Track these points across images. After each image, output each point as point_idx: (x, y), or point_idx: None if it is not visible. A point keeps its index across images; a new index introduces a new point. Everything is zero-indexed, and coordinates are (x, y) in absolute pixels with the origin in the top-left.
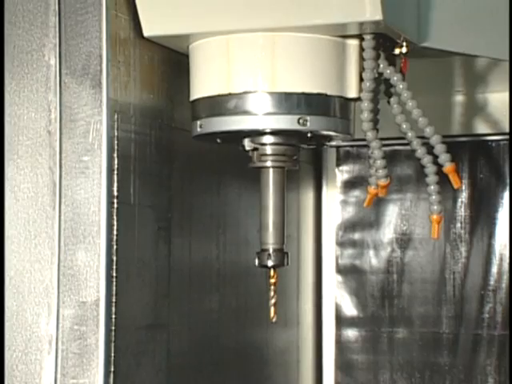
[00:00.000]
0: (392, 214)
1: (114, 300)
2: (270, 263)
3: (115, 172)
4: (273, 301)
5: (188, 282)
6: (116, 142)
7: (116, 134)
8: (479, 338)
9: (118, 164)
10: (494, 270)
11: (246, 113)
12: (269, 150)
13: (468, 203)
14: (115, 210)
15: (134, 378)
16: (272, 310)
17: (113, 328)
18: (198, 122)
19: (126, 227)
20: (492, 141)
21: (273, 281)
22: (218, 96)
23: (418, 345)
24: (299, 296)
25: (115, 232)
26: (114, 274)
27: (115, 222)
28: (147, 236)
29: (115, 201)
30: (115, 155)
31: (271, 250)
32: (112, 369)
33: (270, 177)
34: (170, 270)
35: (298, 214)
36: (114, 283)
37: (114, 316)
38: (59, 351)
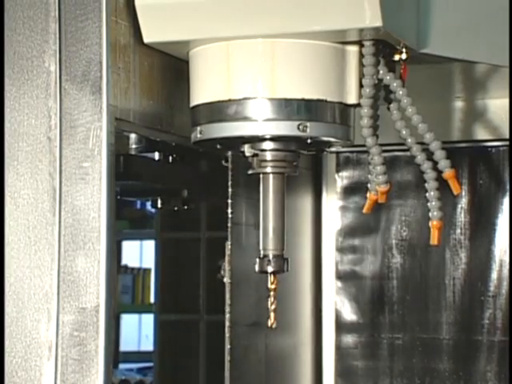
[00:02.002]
0: (392, 220)
1: (229, 302)
2: (269, 269)
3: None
4: (272, 307)
5: None
6: None
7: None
8: (479, 344)
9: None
10: (494, 275)
11: (245, 119)
12: (269, 156)
13: (468, 209)
14: (229, 229)
15: (243, 365)
16: (271, 315)
17: (228, 324)
18: (198, 128)
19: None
20: (492, 147)
21: (273, 287)
22: (218, 102)
23: (417, 351)
24: (299, 302)
25: (229, 247)
26: (229, 281)
27: (229, 241)
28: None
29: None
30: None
31: (271, 256)
32: (228, 358)
33: (270, 183)
34: None
35: (297, 219)
36: (229, 289)
37: (228, 315)
38: (59, 357)
